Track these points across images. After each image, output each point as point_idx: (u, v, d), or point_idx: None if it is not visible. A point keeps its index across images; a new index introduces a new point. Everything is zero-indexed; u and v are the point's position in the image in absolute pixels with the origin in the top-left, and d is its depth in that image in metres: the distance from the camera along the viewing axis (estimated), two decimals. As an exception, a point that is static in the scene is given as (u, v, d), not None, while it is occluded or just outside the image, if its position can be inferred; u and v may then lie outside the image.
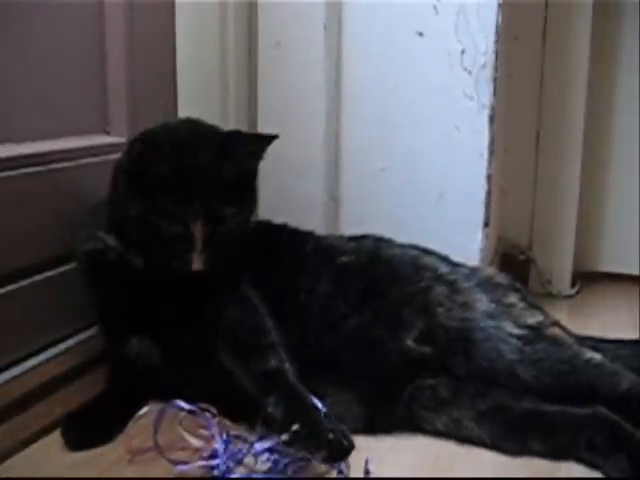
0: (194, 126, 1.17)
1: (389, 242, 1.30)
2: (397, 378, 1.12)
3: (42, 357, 1.23)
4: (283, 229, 1.31)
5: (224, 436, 1.01)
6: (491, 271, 1.31)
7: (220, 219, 1.08)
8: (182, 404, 1.02)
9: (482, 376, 1.11)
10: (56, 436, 1.08)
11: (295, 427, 0.94)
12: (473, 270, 1.28)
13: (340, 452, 0.96)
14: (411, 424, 1.13)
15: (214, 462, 0.98)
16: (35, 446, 1.07)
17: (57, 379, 1.19)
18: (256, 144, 1.15)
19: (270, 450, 0.98)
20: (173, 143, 1.08)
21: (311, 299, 1.19)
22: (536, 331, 1.15)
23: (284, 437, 0.95)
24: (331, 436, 0.95)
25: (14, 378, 1.15)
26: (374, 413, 1.12)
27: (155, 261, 1.10)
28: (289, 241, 1.29)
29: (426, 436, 1.12)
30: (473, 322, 1.15)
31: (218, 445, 0.98)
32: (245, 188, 1.15)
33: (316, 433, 0.95)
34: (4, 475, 0.98)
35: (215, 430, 1.00)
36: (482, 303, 1.17)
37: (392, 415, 1.12)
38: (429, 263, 1.25)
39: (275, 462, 0.98)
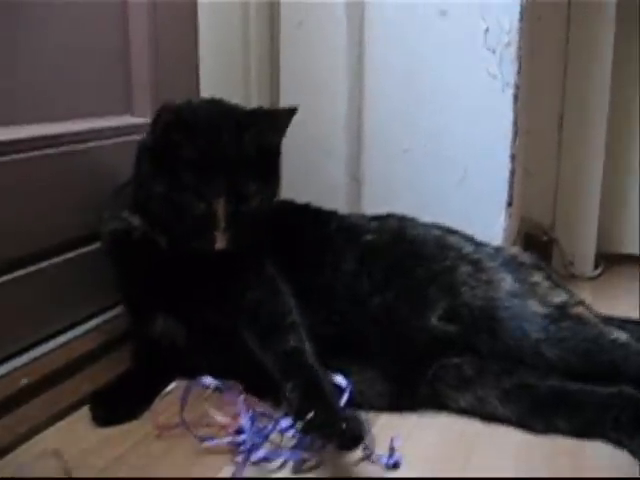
0: (216, 104, 1.16)
1: (413, 221, 1.30)
2: (421, 356, 1.13)
3: (70, 335, 1.25)
4: (306, 208, 1.31)
5: (250, 413, 1.02)
6: (515, 250, 1.30)
7: (243, 196, 1.08)
8: (208, 381, 1.03)
9: (507, 355, 1.11)
10: (84, 412, 1.10)
11: (310, 415, 0.93)
12: (497, 249, 1.28)
13: (352, 442, 0.95)
14: (435, 402, 1.13)
15: (240, 438, 1.00)
16: (62, 423, 1.08)
17: (84, 357, 1.21)
18: (277, 118, 1.14)
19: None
20: (195, 120, 1.08)
21: (336, 277, 1.19)
22: (561, 310, 1.14)
23: (299, 426, 0.95)
24: (344, 426, 0.93)
25: (43, 355, 1.17)
26: (398, 391, 1.12)
27: (179, 240, 1.10)
28: (313, 220, 1.29)
29: (450, 414, 1.12)
30: (497, 301, 1.14)
31: (244, 421, 1.00)
32: (268, 166, 1.14)
33: (329, 422, 0.93)
34: (35, 449, 1.00)
35: (241, 406, 1.01)
36: (506, 282, 1.17)
37: (416, 393, 1.12)
38: (453, 242, 1.25)
39: (301, 439, 0.99)
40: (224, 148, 1.07)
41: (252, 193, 1.09)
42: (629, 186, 1.91)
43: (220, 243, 1.07)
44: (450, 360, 1.12)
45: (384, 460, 0.98)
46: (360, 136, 1.60)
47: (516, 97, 1.48)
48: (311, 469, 0.97)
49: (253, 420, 1.01)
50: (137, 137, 1.24)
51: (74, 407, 1.11)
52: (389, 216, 1.30)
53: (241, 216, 1.08)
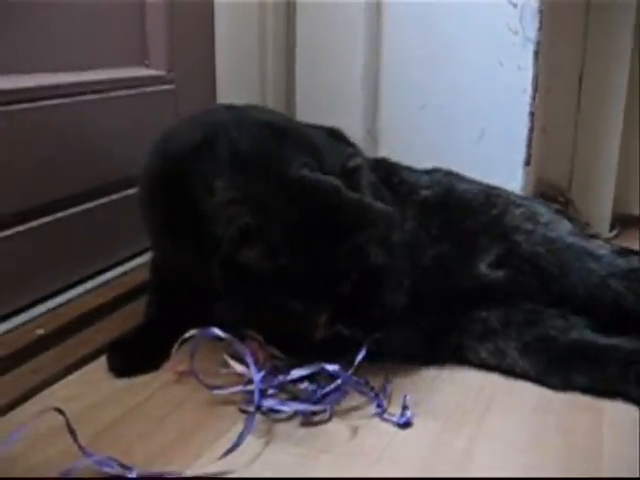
0: (290, 189, 0.97)
1: (457, 175, 1.28)
2: (461, 306, 1.12)
3: (83, 288, 1.25)
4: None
5: (263, 362, 1.02)
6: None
7: (341, 297, 0.99)
8: (219, 332, 1.00)
9: (562, 298, 1.11)
10: (100, 363, 1.09)
11: None
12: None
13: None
14: (459, 356, 1.12)
15: (251, 387, 0.98)
16: (77, 373, 1.08)
17: (99, 309, 1.21)
18: (376, 223, 0.99)
19: (308, 378, 0.99)
20: (277, 231, 0.94)
21: (398, 237, 1.15)
22: (623, 248, 1.15)
23: None
24: None
25: (58, 307, 1.17)
26: (430, 342, 1.11)
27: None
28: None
29: (471, 369, 1.11)
30: (558, 242, 1.14)
31: (253, 371, 0.97)
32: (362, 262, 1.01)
33: None
34: (51, 400, 0.99)
35: (249, 357, 0.98)
36: (564, 224, 1.18)
37: (445, 345, 1.11)
38: (500, 191, 1.25)
39: (313, 391, 0.99)
40: (317, 260, 0.95)
41: (349, 289, 0.99)
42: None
43: (320, 333, 1.00)
44: (479, 313, 1.12)
45: (395, 419, 0.97)
46: (377, 91, 1.58)
47: (536, 53, 1.46)
48: (320, 422, 0.97)
49: (270, 370, 1.00)
50: (152, 89, 1.24)
51: (89, 358, 1.10)
52: (435, 170, 1.29)
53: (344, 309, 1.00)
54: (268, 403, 0.97)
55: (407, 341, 1.10)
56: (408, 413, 0.97)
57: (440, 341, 1.11)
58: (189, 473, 0.84)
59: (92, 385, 1.04)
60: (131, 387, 1.04)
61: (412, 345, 1.10)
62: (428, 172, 1.28)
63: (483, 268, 1.15)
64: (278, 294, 0.96)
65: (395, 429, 0.95)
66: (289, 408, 0.97)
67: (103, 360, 1.09)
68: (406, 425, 0.96)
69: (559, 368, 1.05)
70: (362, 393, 1.01)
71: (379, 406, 0.99)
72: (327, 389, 0.99)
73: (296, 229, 0.95)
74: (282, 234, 0.94)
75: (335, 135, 1.25)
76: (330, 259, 0.96)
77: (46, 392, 1.02)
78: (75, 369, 1.08)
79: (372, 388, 1.01)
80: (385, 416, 0.97)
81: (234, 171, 0.99)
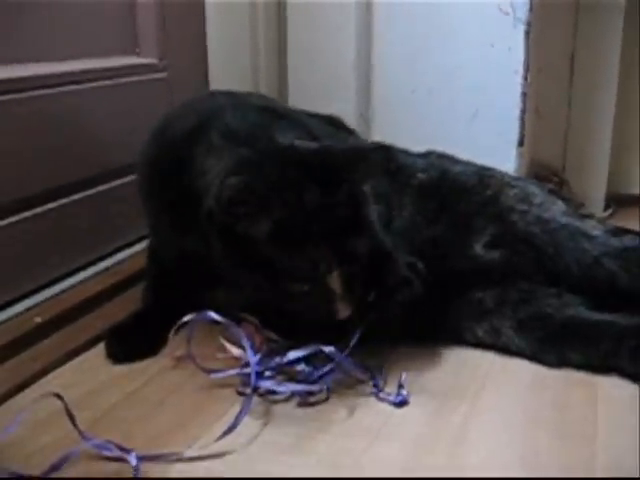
0: (281, 153, 0.96)
1: (451, 158, 1.28)
2: (457, 287, 1.12)
3: (81, 276, 1.26)
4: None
5: (259, 345, 1.02)
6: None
7: (354, 257, 0.96)
8: (215, 315, 1.00)
9: (557, 277, 1.12)
10: (98, 350, 1.10)
11: None
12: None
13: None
14: (455, 337, 1.12)
15: (247, 370, 0.98)
16: (76, 360, 1.08)
17: (96, 297, 1.22)
18: (368, 159, 0.97)
19: (305, 360, 0.99)
20: (269, 187, 0.91)
21: (396, 224, 1.17)
22: (617, 228, 1.16)
23: None
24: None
25: (56, 295, 1.19)
26: (426, 323, 1.10)
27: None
28: None
29: (466, 348, 1.12)
30: (553, 222, 1.15)
31: (249, 353, 0.97)
32: (363, 211, 0.99)
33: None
34: (50, 387, 1.00)
35: (245, 340, 0.98)
36: (558, 204, 1.18)
37: (442, 326, 1.12)
38: (493, 172, 1.25)
39: (310, 373, 0.99)
40: (312, 212, 0.92)
41: (362, 250, 0.96)
42: (640, 127, 1.89)
43: (343, 312, 0.96)
44: (474, 294, 1.12)
45: (391, 398, 0.98)
46: (369, 75, 1.58)
47: (527, 34, 1.46)
48: (317, 402, 0.97)
49: (269, 353, 1.01)
50: (144, 77, 1.24)
51: (88, 345, 1.11)
52: (430, 153, 1.29)
53: (356, 275, 0.97)
54: (265, 384, 0.97)
55: (403, 323, 1.11)
56: (404, 392, 0.98)
57: (436, 322, 1.12)
58: (188, 454, 0.85)
59: (91, 372, 1.05)
60: (129, 373, 1.05)
61: (408, 326, 1.11)
62: (423, 155, 1.28)
63: (478, 249, 1.16)
64: (282, 256, 0.92)
65: (391, 408, 0.96)
66: (286, 389, 0.97)
67: (101, 347, 1.10)
68: (402, 404, 0.97)
69: (554, 345, 1.06)
70: (358, 374, 1.01)
71: (375, 386, 0.99)
72: (323, 370, 0.99)
73: (287, 183, 0.92)
74: (274, 190, 0.91)
75: (334, 123, 1.25)
76: (326, 208, 0.92)
77: (45, 379, 1.02)
78: (74, 356, 1.09)
79: (368, 368, 1.01)
80: (381, 395, 0.98)
81: (226, 149, 0.99)
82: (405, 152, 1.29)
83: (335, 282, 0.94)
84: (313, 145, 0.98)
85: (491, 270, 1.14)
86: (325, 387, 0.98)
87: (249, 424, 0.91)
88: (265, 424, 0.92)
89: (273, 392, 0.98)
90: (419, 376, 1.03)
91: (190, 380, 1.02)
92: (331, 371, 0.99)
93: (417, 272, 1.02)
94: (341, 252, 0.93)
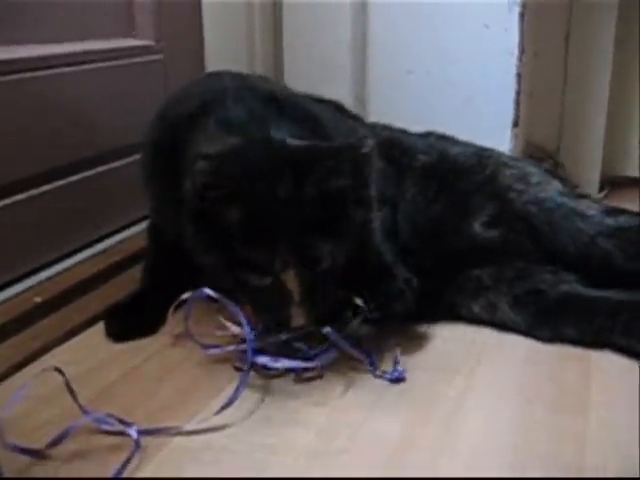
0: (259, 144, 0.95)
1: (450, 139, 1.29)
2: (456, 265, 1.13)
3: (79, 257, 1.26)
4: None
5: (260, 324, 1.03)
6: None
7: (315, 260, 0.93)
8: (211, 292, 1.00)
9: (553, 256, 1.13)
10: (97, 329, 1.11)
11: None
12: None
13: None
14: (453, 313, 1.13)
15: (244, 346, 0.98)
16: (75, 339, 1.09)
17: (95, 277, 1.23)
18: (335, 156, 0.95)
19: (301, 339, 1.00)
20: (244, 176, 0.90)
21: (399, 207, 1.18)
22: (613, 208, 1.17)
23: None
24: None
25: (55, 276, 1.19)
26: (425, 303, 1.09)
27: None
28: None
29: (462, 324, 1.13)
30: (549, 202, 1.16)
31: (245, 329, 0.97)
32: (336, 214, 0.95)
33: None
34: (50, 364, 1.01)
35: (242, 316, 0.97)
36: (554, 184, 1.19)
37: (440, 303, 1.13)
38: (491, 152, 1.26)
39: (306, 350, 0.99)
40: (280, 206, 0.90)
41: (325, 253, 0.93)
42: (634, 109, 1.89)
43: (297, 320, 0.94)
44: (472, 272, 1.13)
45: (387, 375, 0.99)
46: (365, 57, 1.58)
47: (522, 15, 1.47)
48: (313, 378, 0.99)
49: (266, 330, 1.01)
50: (140, 59, 1.24)
51: (87, 324, 1.12)
52: (429, 134, 1.29)
53: (316, 282, 0.94)
54: (261, 360, 0.97)
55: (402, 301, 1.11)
56: (400, 368, 0.99)
57: (434, 300, 1.12)
58: (188, 428, 0.86)
59: (90, 350, 1.06)
60: (129, 350, 1.06)
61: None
62: (422, 136, 1.29)
63: (477, 227, 1.17)
64: (243, 245, 0.90)
65: (388, 384, 0.97)
66: (282, 365, 0.98)
67: (101, 326, 1.11)
68: (398, 380, 0.98)
69: (548, 320, 1.07)
70: (354, 353, 1.01)
71: (371, 364, 1.00)
72: (319, 349, 1.00)
73: (264, 175, 0.91)
74: (248, 180, 0.90)
75: (339, 109, 1.25)
76: (297, 205, 0.90)
77: (45, 357, 1.03)
78: (73, 335, 1.10)
79: (363, 347, 1.02)
80: (377, 372, 0.99)
81: (217, 136, 0.99)
82: (405, 133, 1.30)
83: (292, 283, 0.92)
84: (303, 143, 0.97)
85: (489, 248, 1.15)
86: (320, 364, 0.99)
87: (247, 398, 0.92)
88: (262, 399, 0.94)
89: (269, 368, 0.98)
90: (414, 353, 1.04)
91: (189, 357, 1.03)
92: (327, 350, 1.00)
93: (412, 288, 1.03)
94: (303, 252, 0.91)
